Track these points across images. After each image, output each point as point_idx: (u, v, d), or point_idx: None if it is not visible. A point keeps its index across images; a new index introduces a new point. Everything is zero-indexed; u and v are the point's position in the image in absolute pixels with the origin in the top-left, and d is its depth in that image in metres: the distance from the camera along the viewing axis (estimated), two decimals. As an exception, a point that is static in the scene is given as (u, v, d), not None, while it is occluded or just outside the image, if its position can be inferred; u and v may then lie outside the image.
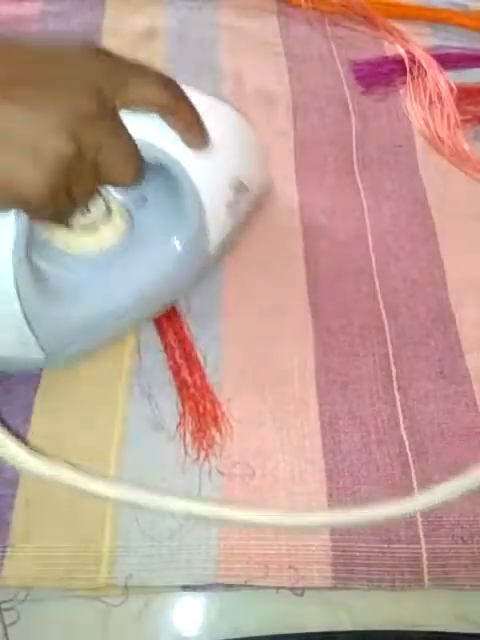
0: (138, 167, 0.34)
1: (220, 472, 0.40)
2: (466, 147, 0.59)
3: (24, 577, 0.36)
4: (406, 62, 0.66)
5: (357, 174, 0.57)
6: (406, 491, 0.40)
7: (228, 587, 0.37)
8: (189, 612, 0.37)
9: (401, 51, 0.68)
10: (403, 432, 0.42)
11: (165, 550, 0.37)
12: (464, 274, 0.50)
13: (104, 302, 0.40)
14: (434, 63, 0.66)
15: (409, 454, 0.41)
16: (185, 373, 0.43)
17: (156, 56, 0.67)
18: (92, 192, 0.34)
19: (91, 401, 0.42)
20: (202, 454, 0.40)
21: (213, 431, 0.41)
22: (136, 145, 0.33)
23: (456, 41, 0.70)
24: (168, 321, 0.45)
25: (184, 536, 0.37)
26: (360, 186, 0.56)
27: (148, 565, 0.37)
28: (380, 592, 0.37)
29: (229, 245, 0.46)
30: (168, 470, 0.40)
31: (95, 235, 0.41)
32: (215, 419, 0.42)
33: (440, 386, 0.44)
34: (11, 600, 0.35)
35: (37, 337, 0.36)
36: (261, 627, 0.36)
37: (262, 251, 0.51)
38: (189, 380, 0.43)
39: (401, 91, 0.64)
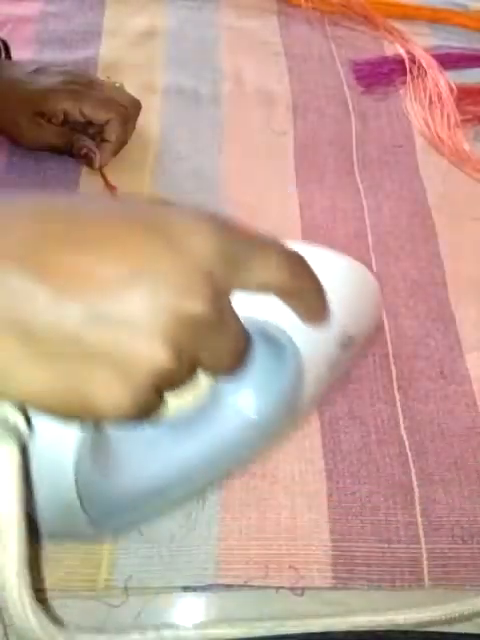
0: (243, 359, 0.27)
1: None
2: (466, 147, 0.59)
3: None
4: (406, 62, 0.66)
5: (357, 174, 0.57)
6: (406, 491, 0.40)
7: (228, 587, 0.37)
8: (189, 612, 0.37)
9: (401, 51, 0.68)
10: (403, 432, 0.42)
11: (165, 551, 0.37)
12: (464, 274, 0.50)
13: (172, 469, 0.35)
14: (434, 63, 0.66)
15: (409, 454, 0.41)
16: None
17: (156, 56, 0.67)
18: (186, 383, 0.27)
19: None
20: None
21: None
22: (246, 336, 0.27)
23: (456, 41, 0.70)
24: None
25: (184, 537, 0.37)
26: (360, 186, 0.56)
27: (148, 566, 0.36)
28: (380, 592, 0.37)
29: (320, 400, 0.40)
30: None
31: (174, 400, 0.33)
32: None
33: (440, 386, 0.44)
34: (11, 600, 0.35)
35: (88, 514, 0.32)
36: (261, 627, 0.36)
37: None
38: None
39: (401, 91, 0.65)
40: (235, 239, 0.25)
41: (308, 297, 0.29)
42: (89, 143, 0.55)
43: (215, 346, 0.25)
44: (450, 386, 0.44)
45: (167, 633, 0.30)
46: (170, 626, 0.32)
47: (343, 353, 0.35)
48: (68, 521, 0.32)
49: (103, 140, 0.55)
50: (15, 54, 0.60)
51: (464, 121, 0.62)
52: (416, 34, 0.70)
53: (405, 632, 0.36)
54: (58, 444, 0.28)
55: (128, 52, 0.67)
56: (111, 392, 0.23)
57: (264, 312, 0.29)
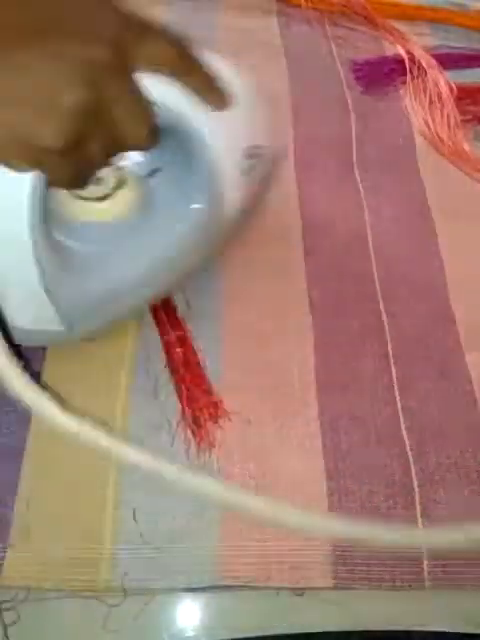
0: (153, 128, 0.32)
1: (220, 472, 0.40)
2: (466, 147, 0.59)
3: (24, 577, 0.36)
4: (406, 62, 0.66)
5: (357, 174, 0.57)
6: (406, 491, 0.40)
7: (228, 588, 0.37)
8: (189, 612, 0.37)
9: (401, 51, 0.68)
10: (403, 432, 0.42)
11: (165, 551, 0.37)
12: (464, 274, 0.50)
13: (122, 271, 0.40)
14: (434, 63, 0.66)
15: (409, 454, 0.41)
16: (185, 373, 0.43)
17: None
18: (108, 154, 0.33)
19: (89, 407, 0.42)
20: (202, 454, 0.40)
21: (213, 431, 0.41)
22: (151, 106, 0.32)
23: (456, 41, 0.70)
24: (168, 321, 0.45)
25: (184, 537, 0.37)
26: (360, 186, 0.56)
27: (148, 567, 0.36)
28: (380, 592, 0.37)
29: (247, 216, 0.45)
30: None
31: (108, 205, 0.41)
32: (215, 419, 0.42)
33: (440, 386, 0.44)
34: (11, 600, 0.35)
35: (57, 307, 0.36)
36: (261, 627, 0.36)
37: (262, 251, 0.50)
38: (189, 380, 0.43)
39: (401, 91, 0.64)
40: (133, 17, 0.32)
41: (202, 77, 0.34)
42: None
43: (126, 106, 0.31)
44: (450, 386, 0.44)
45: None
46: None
47: (251, 163, 0.41)
48: (40, 318, 0.37)
49: None
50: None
51: (464, 121, 0.62)
52: (416, 34, 0.70)
53: (405, 632, 0.36)
54: (11, 207, 0.33)
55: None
56: (44, 126, 0.29)
57: (172, 102, 0.34)
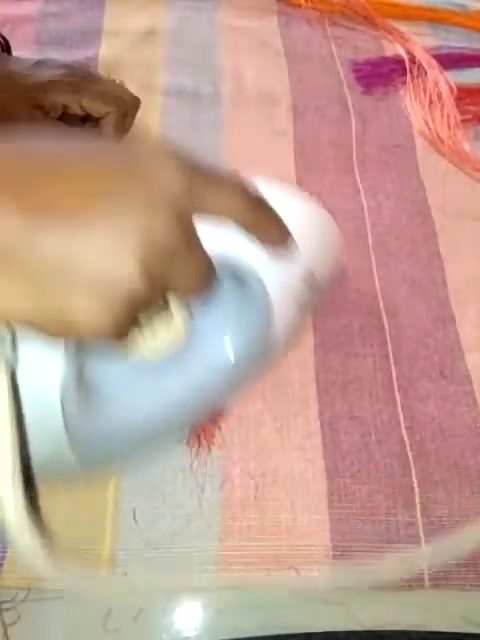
0: (209, 282, 0.29)
1: (220, 472, 0.40)
2: (466, 147, 0.59)
3: (24, 577, 0.36)
4: (406, 62, 0.66)
5: (357, 174, 0.57)
6: (406, 491, 0.40)
7: (228, 587, 0.37)
8: (189, 612, 0.37)
9: (401, 51, 0.68)
10: (403, 432, 0.42)
11: (165, 552, 0.37)
12: (464, 274, 0.50)
13: (149, 410, 0.36)
14: (434, 63, 0.66)
15: (409, 454, 0.41)
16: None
17: (156, 56, 0.67)
18: (156, 307, 0.29)
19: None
20: (202, 454, 0.40)
21: (213, 431, 0.41)
22: (210, 260, 0.29)
23: (456, 41, 0.70)
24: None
25: (184, 538, 0.37)
26: (360, 186, 0.56)
27: (148, 567, 0.36)
28: (380, 592, 0.37)
29: (291, 341, 0.41)
30: (168, 470, 0.40)
31: (152, 339, 0.35)
32: (215, 419, 0.42)
33: (440, 386, 0.44)
34: (11, 600, 0.35)
35: (75, 452, 0.33)
36: (261, 627, 0.36)
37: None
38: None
39: (401, 91, 0.64)
40: (198, 169, 0.28)
41: (268, 228, 0.31)
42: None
43: (182, 266, 0.27)
44: (450, 386, 0.44)
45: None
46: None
47: (308, 291, 0.37)
48: (57, 457, 0.33)
49: (100, 133, 0.55)
50: (15, 54, 0.60)
51: (464, 121, 0.62)
52: (416, 34, 0.70)
53: (405, 632, 0.36)
54: (44, 376, 0.30)
55: (128, 52, 0.67)
56: (89, 310, 0.25)
57: (230, 247, 0.31)
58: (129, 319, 0.27)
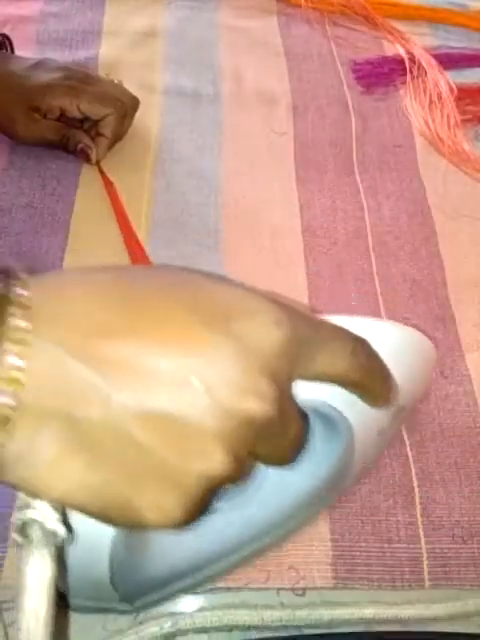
0: (300, 451, 0.25)
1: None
2: (466, 147, 0.59)
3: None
4: (406, 62, 0.66)
5: (357, 174, 0.57)
6: (406, 491, 0.40)
7: (228, 587, 0.37)
8: (189, 612, 0.37)
9: (401, 51, 0.68)
10: (403, 432, 0.42)
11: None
12: (464, 274, 0.50)
13: (197, 549, 0.32)
14: (434, 63, 0.66)
15: (409, 454, 0.41)
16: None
17: (156, 56, 0.67)
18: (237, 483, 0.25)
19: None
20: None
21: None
22: (303, 428, 0.25)
23: (456, 41, 0.70)
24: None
25: (184, 536, 0.37)
26: (360, 186, 0.56)
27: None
28: (380, 592, 0.37)
29: (367, 470, 0.38)
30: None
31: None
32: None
33: (440, 386, 0.44)
34: (11, 600, 0.35)
35: (118, 593, 0.31)
36: (261, 627, 0.36)
37: (262, 251, 0.51)
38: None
39: (401, 91, 0.65)
40: (299, 329, 0.24)
41: (376, 388, 0.27)
42: (85, 138, 0.55)
43: (274, 443, 0.24)
44: (450, 386, 0.44)
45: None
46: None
47: (394, 422, 0.33)
48: (99, 598, 0.32)
49: (98, 134, 0.55)
50: (15, 54, 0.60)
51: (464, 121, 0.62)
52: (416, 34, 0.70)
53: (405, 632, 0.36)
54: (95, 535, 0.27)
55: (128, 52, 0.67)
56: (160, 501, 0.22)
57: (319, 394, 0.27)
58: (204, 505, 0.23)
